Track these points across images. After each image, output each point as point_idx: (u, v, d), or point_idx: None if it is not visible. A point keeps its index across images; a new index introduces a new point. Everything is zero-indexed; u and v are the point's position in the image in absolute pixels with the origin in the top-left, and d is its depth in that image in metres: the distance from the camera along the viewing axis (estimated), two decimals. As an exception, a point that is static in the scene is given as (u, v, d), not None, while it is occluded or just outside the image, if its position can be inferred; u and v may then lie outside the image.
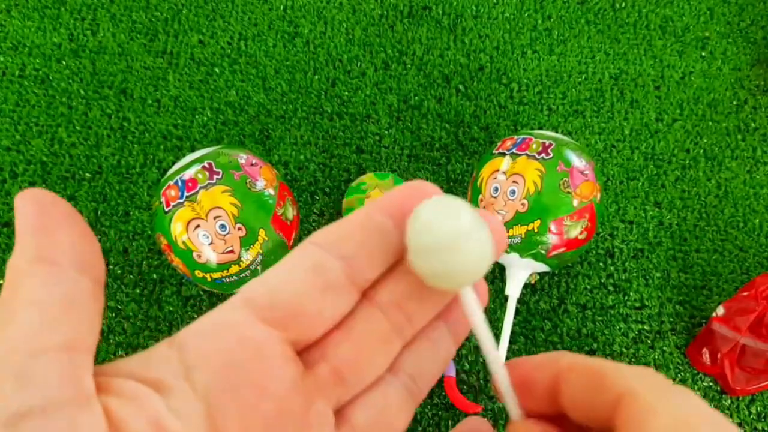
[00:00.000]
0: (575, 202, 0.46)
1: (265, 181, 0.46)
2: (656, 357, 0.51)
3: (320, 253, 0.15)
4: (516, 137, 0.50)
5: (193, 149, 0.58)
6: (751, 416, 0.49)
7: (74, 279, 0.13)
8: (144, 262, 0.53)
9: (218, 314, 0.15)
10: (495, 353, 0.16)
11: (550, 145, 0.47)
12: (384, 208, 0.16)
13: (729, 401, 0.49)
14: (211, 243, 0.44)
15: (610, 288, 0.54)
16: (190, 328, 0.15)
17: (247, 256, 0.45)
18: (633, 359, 0.51)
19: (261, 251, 0.45)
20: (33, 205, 0.13)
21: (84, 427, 0.12)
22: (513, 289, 0.50)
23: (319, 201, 0.57)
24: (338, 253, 0.15)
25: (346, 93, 0.62)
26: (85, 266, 0.13)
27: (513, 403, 0.16)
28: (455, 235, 0.14)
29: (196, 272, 0.45)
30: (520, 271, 0.49)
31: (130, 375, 0.13)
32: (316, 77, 0.63)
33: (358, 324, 0.16)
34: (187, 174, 0.45)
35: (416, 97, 0.62)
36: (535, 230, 0.47)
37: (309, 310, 0.15)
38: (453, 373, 0.49)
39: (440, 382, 0.49)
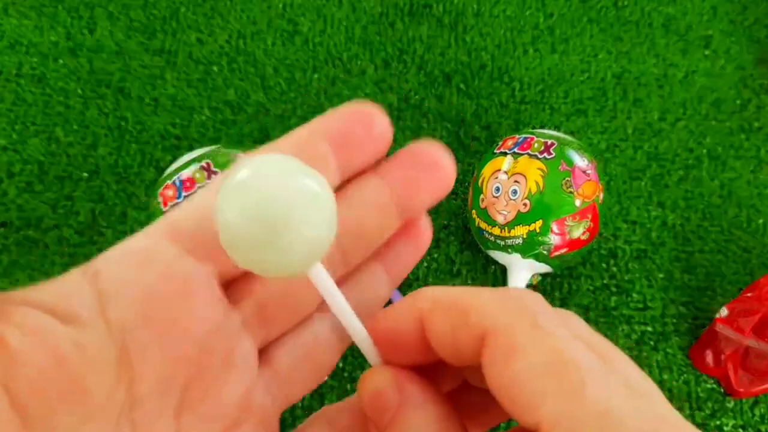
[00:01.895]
0: (578, 202, 0.46)
1: (263, 180, 0.46)
2: (659, 359, 0.51)
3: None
4: (517, 136, 0.49)
5: (191, 148, 0.58)
6: (755, 418, 0.49)
7: None
8: (142, 263, 0.53)
9: (141, 241, 0.13)
10: (352, 322, 0.14)
11: (552, 144, 0.47)
12: (325, 133, 0.14)
13: (732, 403, 0.49)
14: (208, 244, 0.43)
15: (613, 289, 0.53)
16: (108, 254, 0.13)
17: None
18: (636, 361, 0.50)
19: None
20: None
21: None
22: (514, 290, 0.50)
23: (319, 201, 0.57)
24: None
25: (346, 92, 0.62)
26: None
27: (372, 356, 0.14)
28: (283, 203, 0.11)
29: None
30: (522, 272, 0.49)
31: (36, 305, 0.12)
32: (316, 76, 0.62)
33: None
34: (185, 173, 0.44)
35: (417, 96, 0.62)
36: (537, 230, 0.46)
37: None
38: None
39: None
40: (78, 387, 0.12)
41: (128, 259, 0.13)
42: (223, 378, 0.14)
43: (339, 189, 0.15)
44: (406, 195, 0.16)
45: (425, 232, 0.17)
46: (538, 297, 0.13)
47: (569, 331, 0.12)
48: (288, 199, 0.11)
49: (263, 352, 0.15)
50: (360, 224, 0.15)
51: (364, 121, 0.15)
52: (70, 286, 0.13)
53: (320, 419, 0.16)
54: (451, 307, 0.13)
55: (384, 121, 0.15)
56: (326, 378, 0.17)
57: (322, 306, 0.16)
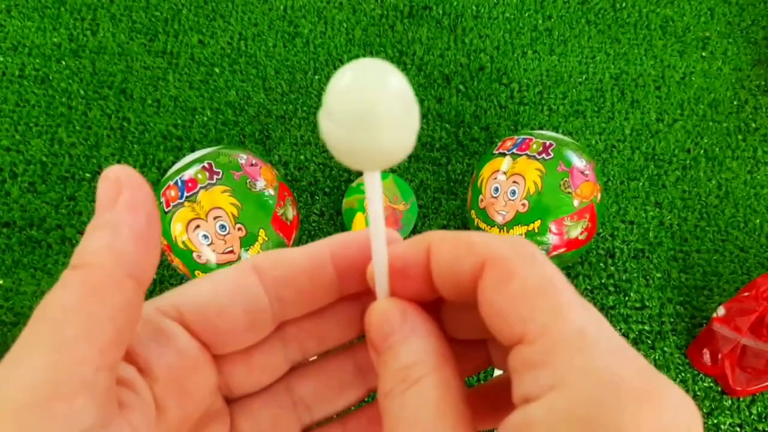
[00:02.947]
0: (576, 203, 0.46)
1: (265, 181, 0.46)
2: (657, 357, 0.51)
3: (257, 291, 0.16)
4: (516, 137, 0.50)
5: (193, 149, 0.58)
6: (752, 416, 0.49)
7: (141, 301, 0.13)
8: (144, 263, 0.53)
9: (156, 322, 0.15)
10: (383, 238, 0.15)
11: (551, 145, 0.47)
12: (333, 255, 0.16)
13: (729, 402, 0.49)
14: (210, 243, 0.44)
15: (611, 288, 0.54)
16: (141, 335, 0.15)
17: (247, 257, 0.45)
18: (633, 360, 0.51)
19: (261, 251, 0.45)
20: (133, 202, 0.13)
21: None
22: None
23: (319, 201, 0.57)
24: (275, 293, 0.16)
25: (347, 93, 0.62)
26: (148, 285, 0.14)
27: (384, 286, 0.15)
28: (379, 105, 0.13)
29: (196, 273, 0.45)
30: (521, 272, 0.49)
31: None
32: (317, 77, 0.63)
33: (260, 351, 0.17)
34: (187, 174, 0.45)
35: (416, 97, 0.62)
36: (536, 230, 0.46)
37: (230, 340, 0.16)
38: None
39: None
40: None
41: (151, 341, 0.15)
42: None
43: None
44: None
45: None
46: (535, 245, 0.14)
47: (557, 270, 0.14)
48: (387, 98, 0.13)
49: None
50: None
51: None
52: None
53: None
54: (457, 239, 0.15)
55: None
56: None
57: (288, 388, 0.18)
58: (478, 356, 0.17)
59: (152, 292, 0.52)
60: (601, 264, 0.55)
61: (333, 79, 0.13)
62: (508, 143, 0.50)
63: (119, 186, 0.13)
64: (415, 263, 0.15)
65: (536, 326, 0.12)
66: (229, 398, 0.17)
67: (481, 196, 0.49)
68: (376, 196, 0.15)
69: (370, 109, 0.13)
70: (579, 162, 0.47)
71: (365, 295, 0.17)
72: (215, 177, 0.44)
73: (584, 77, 0.64)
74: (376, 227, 0.15)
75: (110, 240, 0.13)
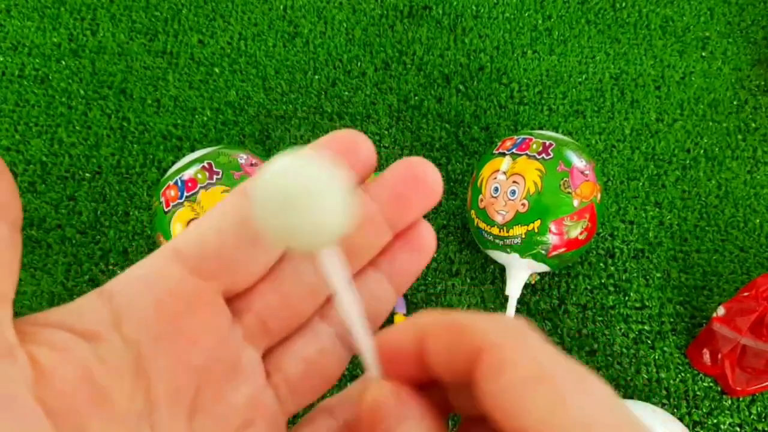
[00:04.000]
0: (575, 203, 0.46)
1: (264, 181, 0.46)
2: (657, 357, 0.51)
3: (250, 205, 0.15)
4: (516, 137, 0.50)
5: (192, 149, 0.58)
6: (752, 417, 0.49)
7: None
8: (144, 263, 0.53)
9: (149, 265, 0.15)
10: (360, 324, 0.15)
11: (551, 145, 0.47)
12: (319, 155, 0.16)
13: (729, 402, 0.49)
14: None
15: (611, 288, 0.54)
16: (120, 278, 0.15)
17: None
18: (633, 359, 0.51)
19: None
20: None
21: (7, 375, 0.12)
22: (513, 290, 0.50)
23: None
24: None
25: (346, 93, 0.62)
26: (1, 210, 0.13)
27: (374, 367, 0.15)
28: (305, 188, 0.13)
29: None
30: (521, 272, 0.49)
31: (59, 325, 0.13)
32: (316, 77, 0.63)
33: (284, 275, 0.16)
34: (187, 174, 0.45)
35: (416, 97, 0.62)
36: (536, 230, 0.46)
37: (239, 263, 0.15)
38: (403, 311, 0.50)
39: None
40: (103, 395, 0.13)
41: (138, 281, 0.15)
42: (231, 383, 0.16)
43: None
44: (394, 209, 0.17)
45: (426, 238, 0.18)
46: (528, 325, 0.14)
47: (555, 352, 0.14)
48: (305, 186, 0.13)
49: (271, 360, 0.17)
50: (348, 238, 0.15)
51: (351, 147, 0.16)
52: (87, 308, 0.14)
53: (322, 411, 0.17)
54: (450, 325, 0.14)
55: (369, 145, 0.17)
56: (334, 384, 0.18)
57: (325, 314, 0.17)
58: None
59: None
60: (601, 264, 0.55)
61: (260, 177, 0.13)
62: (508, 143, 0.50)
63: None
64: (407, 350, 0.15)
65: (536, 421, 0.12)
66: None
67: (480, 196, 0.49)
68: (336, 276, 0.15)
69: (293, 189, 0.13)
70: (579, 162, 0.47)
71: None
72: (215, 177, 0.44)
73: (584, 77, 0.64)
74: (350, 314, 0.15)
75: None
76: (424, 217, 0.18)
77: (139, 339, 0.14)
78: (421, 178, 0.17)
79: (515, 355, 0.13)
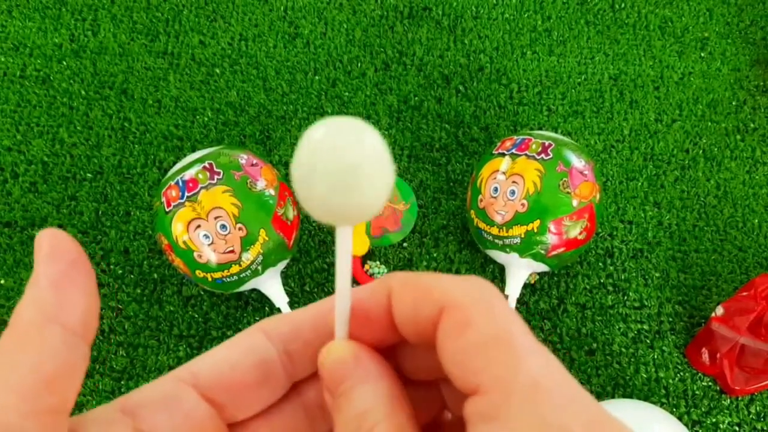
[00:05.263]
0: (575, 203, 0.46)
1: (265, 181, 0.47)
2: (655, 356, 0.51)
3: (266, 346, 0.16)
4: (515, 137, 0.50)
5: (193, 149, 0.59)
6: (751, 416, 0.49)
7: (77, 345, 0.13)
8: (145, 262, 0.54)
9: (168, 386, 0.16)
10: (347, 286, 0.15)
11: (550, 145, 0.48)
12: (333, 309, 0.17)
13: (728, 401, 0.50)
14: (211, 243, 0.44)
15: (610, 288, 0.54)
16: (143, 394, 0.16)
17: (248, 256, 0.45)
18: (632, 359, 0.51)
19: (261, 251, 0.45)
20: (52, 253, 0.13)
21: None
22: (512, 289, 0.50)
23: (320, 201, 0.57)
24: (283, 347, 0.16)
25: (347, 93, 0.62)
26: (87, 330, 0.13)
27: (343, 328, 0.16)
28: (360, 168, 0.13)
29: (197, 272, 0.45)
30: (520, 271, 0.50)
31: None
32: (317, 78, 0.63)
33: (280, 416, 0.17)
34: (188, 174, 0.45)
35: (416, 98, 0.62)
36: (535, 230, 0.47)
37: (244, 399, 0.16)
38: None
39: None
40: None
41: (159, 403, 0.16)
42: None
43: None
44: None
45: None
46: (495, 288, 0.14)
47: (516, 316, 0.14)
48: (356, 166, 0.13)
49: None
50: None
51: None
52: (113, 422, 0.15)
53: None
54: (417, 284, 0.15)
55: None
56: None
57: None
58: (433, 400, 0.17)
59: (153, 292, 0.52)
60: (600, 264, 0.55)
61: (309, 136, 0.13)
62: (508, 143, 0.50)
63: (40, 244, 0.14)
64: (377, 308, 0.15)
65: (490, 378, 0.12)
66: None
67: (480, 196, 0.49)
68: (346, 249, 0.15)
69: (352, 171, 0.13)
70: (578, 162, 0.47)
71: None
72: (216, 177, 0.45)
73: (583, 78, 0.64)
74: (342, 277, 0.15)
75: (31, 292, 0.13)
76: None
77: None
78: None
79: (477, 316, 0.13)
